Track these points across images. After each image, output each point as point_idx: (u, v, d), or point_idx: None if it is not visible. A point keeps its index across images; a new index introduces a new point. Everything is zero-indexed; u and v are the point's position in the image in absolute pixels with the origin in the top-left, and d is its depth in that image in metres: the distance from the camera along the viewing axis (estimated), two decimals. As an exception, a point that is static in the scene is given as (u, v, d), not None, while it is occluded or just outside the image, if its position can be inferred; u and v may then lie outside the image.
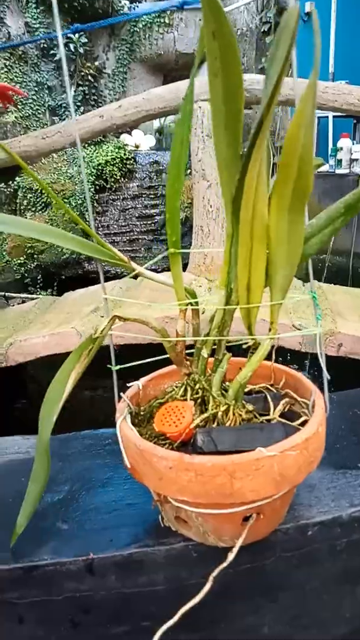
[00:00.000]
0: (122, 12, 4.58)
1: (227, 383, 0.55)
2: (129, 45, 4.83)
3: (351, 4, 3.65)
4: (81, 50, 4.51)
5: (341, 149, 2.97)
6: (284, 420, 0.51)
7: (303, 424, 0.50)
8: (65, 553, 0.51)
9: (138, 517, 0.56)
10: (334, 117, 3.73)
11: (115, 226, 3.93)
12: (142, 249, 3.77)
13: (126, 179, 4.19)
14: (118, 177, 4.12)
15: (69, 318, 1.92)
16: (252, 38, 4.29)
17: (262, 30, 4.11)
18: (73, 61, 4.59)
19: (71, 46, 4.48)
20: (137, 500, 0.58)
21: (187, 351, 0.55)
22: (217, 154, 0.43)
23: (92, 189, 3.98)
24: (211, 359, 0.54)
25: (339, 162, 2.98)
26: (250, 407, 0.50)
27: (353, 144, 3.02)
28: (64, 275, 3.57)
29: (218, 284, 1.66)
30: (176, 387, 0.60)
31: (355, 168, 2.85)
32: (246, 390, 0.56)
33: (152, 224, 3.93)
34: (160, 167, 4.26)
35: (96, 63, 4.77)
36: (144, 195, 4.14)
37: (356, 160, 2.94)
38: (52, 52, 4.49)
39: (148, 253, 3.74)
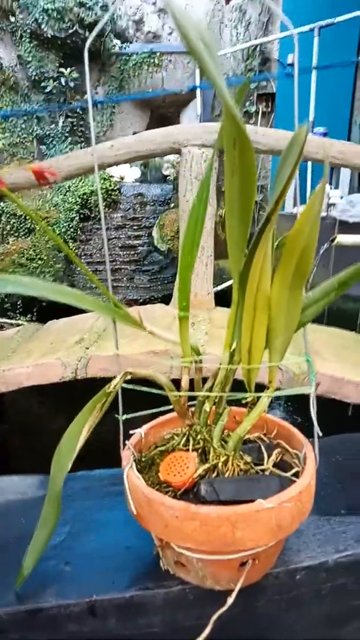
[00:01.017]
0: (113, 51, 4.76)
1: (226, 431, 0.59)
2: (118, 81, 5.00)
3: (331, 54, 3.91)
4: (71, 84, 4.65)
5: (319, 193, 3.13)
6: (277, 471, 0.55)
7: (295, 474, 0.54)
8: (69, 595, 0.54)
9: (137, 560, 0.59)
10: (312, 162, 3.93)
11: (98, 255, 3.98)
12: (125, 278, 3.83)
13: (110, 209, 4.28)
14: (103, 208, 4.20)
15: (54, 348, 1.94)
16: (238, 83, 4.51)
17: (247, 76, 4.33)
18: (63, 94, 4.72)
19: (62, 80, 4.62)
20: (136, 543, 0.61)
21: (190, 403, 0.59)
22: (229, 235, 0.49)
23: (76, 218, 4.05)
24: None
25: (317, 205, 3.14)
26: (248, 458, 0.55)
27: (330, 189, 3.19)
28: (44, 302, 3.58)
29: (201, 319, 1.70)
30: (175, 434, 0.64)
31: (333, 212, 3.00)
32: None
33: (135, 254, 4.01)
34: (145, 200, 4.37)
35: (85, 97, 4.90)
36: (127, 226, 4.22)
37: (333, 204, 3.10)
38: (42, 84, 4.60)
39: (130, 283, 3.80)
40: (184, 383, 0.57)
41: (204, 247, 2.20)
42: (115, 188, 4.28)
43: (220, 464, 0.54)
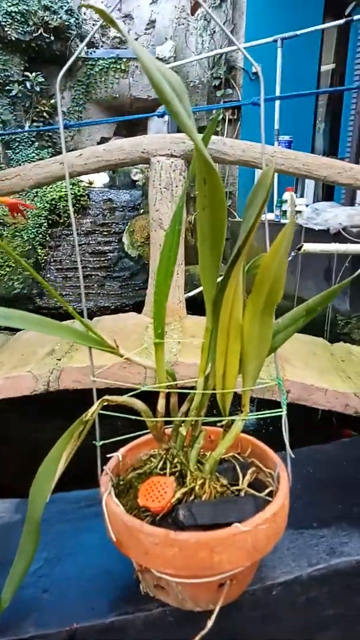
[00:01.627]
0: (79, 56, 4.71)
1: (201, 451, 0.61)
2: (84, 86, 4.97)
3: (294, 63, 4.00)
4: (37, 88, 4.59)
5: (286, 201, 3.20)
6: (252, 491, 0.57)
7: (269, 494, 0.56)
8: (49, 624, 0.54)
9: (116, 583, 0.59)
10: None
11: (67, 261, 3.94)
12: (95, 285, 3.80)
13: (80, 215, 4.24)
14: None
15: (24, 360, 1.91)
16: (204, 90, 4.56)
17: (213, 84, 4.39)
18: (29, 98, 4.66)
19: (27, 84, 4.56)
20: (114, 566, 0.62)
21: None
22: (202, 265, 0.50)
23: (44, 224, 4.00)
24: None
25: (284, 213, 3.21)
26: (223, 480, 0.56)
27: (297, 197, 3.27)
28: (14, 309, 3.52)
29: (173, 327, 1.71)
30: (152, 456, 0.65)
31: (299, 220, 3.08)
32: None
33: (105, 261, 3.99)
34: (114, 205, 4.36)
35: (52, 101, 4.85)
36: (97, 232, 4.20)
37: (299, 212, 3.17)
38: (7, 87, 4.53)
39: (101, 289, 3.77)
40: (160, 407, 0.58)
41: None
42: (84, 193, 4.25)
43: (197, 487, 0.55)
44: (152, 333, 1.90)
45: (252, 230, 0.45)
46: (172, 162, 2.12)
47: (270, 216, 3.47)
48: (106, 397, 0.54)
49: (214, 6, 4.17)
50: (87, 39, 0.59)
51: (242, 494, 0.57)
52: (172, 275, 0.54)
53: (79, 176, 2.28)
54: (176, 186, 2.15)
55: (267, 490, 0.57)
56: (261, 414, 0.56)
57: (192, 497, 0.55)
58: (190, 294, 3.14)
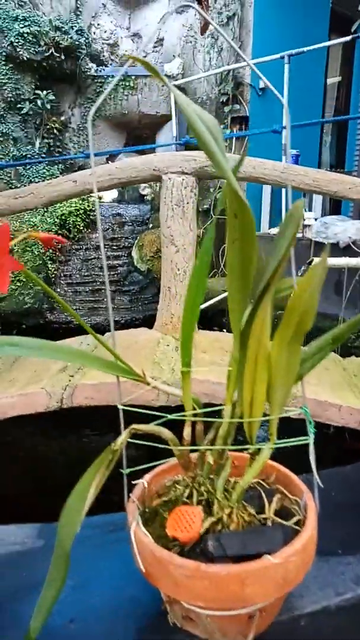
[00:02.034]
0: (89, 74, 4.82)
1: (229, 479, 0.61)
2: (94, 103, 5.04)
3: (301, 77, 4.05)
4: (48, 106, 4.67)
5: (295, 215, 3.21)
6: (278, 520, 0.57)
7: (297, 523, 0.56)
8: (77, 656, 0.54)
9: (144, 612, 0.59)
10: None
11: (77, 276, 3.98)
12: (105, 299, 3.81)
13: (89, 230, 4.29)
14: (81, 228, 4.22)
15: (37, 377, 1.92)
16: (212, 106, 4.62)
17: (220, 100, 4.44)
18: (39, 115, 4.74)
19: (38, 102, 4.64)
20: (141, 595, 0.61)
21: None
22: (230, 297, 0.51)
23: (55, 239, 4.03)
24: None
25: (293, 226, 3.22)
26: (251, 509, 0.56)
27: (305, 211, 3.29)
28: (24, 324, 3.55)
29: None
30: (176, 482, 0.65)
31: (307, 234, 3.08)
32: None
33: (115, 275, 4.02)
34: (123, 220, 4.40)
35: (62, 118, 4.94)
36: (106, 246, 4.23)
37: (308, 226, 3.18)
38: (19, 105, 4.61)
39: (111, 303, 3.79)
40: (187, 435, 0.58)
41: (185, 271, 2.23)
42: (93, 208, 4.30)
43: (224, 517, 0.55)
44: (163, 349, 1.90)
45: (282, 262, 0.46)
46: (183, 179, 2.14)
47: (277, 230, 3.48)
48: (135, 425, 0.55)
49: (221, 24, 4.24)
50: (111, 83, 0.60)
51: (269, 522, 0.57)
52: (199, 305, 0.55)
53: (91, 193, 2.31)
54: (187, 203, 2.17)
55: (294, 519, 0.57)
56: (288, 442, 0.56)
57: (220, 526, 0.55)
58: (202, 306, 3.14)
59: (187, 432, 0.58)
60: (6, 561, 0.68)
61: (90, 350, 2.09)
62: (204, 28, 3.75)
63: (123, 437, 0.54)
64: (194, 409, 0.58)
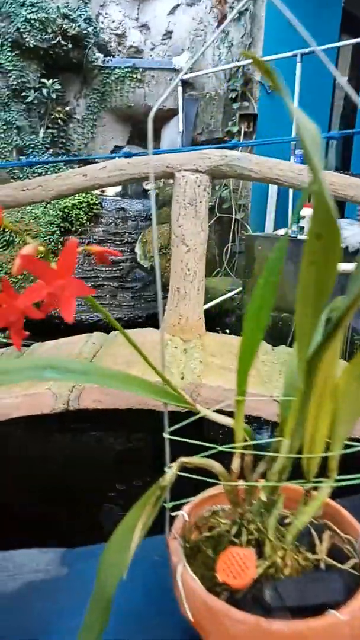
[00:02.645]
0: (95, 64, 4.73)
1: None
2: (100, 94, 4.96)
3: (311, 76, 3.99)
4: (53, 95, 4.58)
5: (304, 217, 3.16)
6: (332, 562, 0.52)
7: (354, 567, 0.52)
8: None
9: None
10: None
11: (79, 270, 3.91)
12: (107, 295, 3.76)
13: (92, 224, 4.22)
14: (84, 221, 4.15)
15: (42, 377, 1.87)
16: (220, 102, 4.55)
17: (229, 97, 4.38)
18: (44, 104, 4.65)
19: (44, 90, 4.55)
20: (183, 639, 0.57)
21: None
22: (299, 323, 0.46)
23: (57, 232, 3.97)
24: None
25: (301, 229, 3.17)
26: (307, 553, 0.52)
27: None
28: (26, 320, 3.46)
29: (194, 345, 1.67)
30: (215, 512, 0.61)
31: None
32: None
33: (117, 271, 3.95)
34: (127, 215, 4.33)
35: (67, 108, 4.85)
36: (109, 241, 4.17)
37: (317, 228, 3.14)
38: (23, 94, 4.52)
39: (113, 300, 3.73)
40: (235, 468, 0.54)
41: (195, 272, 2.18)
42: (97, 202, 4.23)
43: (278, 560, 0.50)
44: (171, 351, 1.84)
45: (357, 301, 0.41)
46: (197, 177, 2.08)
47: (283, 231, 3.44)
48: (184, 459, 0.50)
49: (233, 19, 4.17)
50: (158, 102, 0.55)
51: (322, 565, 0.52)
52: (263, 330, 0.50)
53: (100, 188, 2.25)
54: (200, 202, 2.11)
55: (350, 563, 0.52)
56: (353, 480, 0.52)
57: (273, 570, 0.50)
58: (206, 306, 3.09)
59: (236, 464, 0.54)
60: (28, 590, 0.64)
61: (95, 350, 2.04)
62: (220, 21, 3.68)
63: (172, 471, 0.49)
64: (245, 440, 0.53)
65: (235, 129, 4.33)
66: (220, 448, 0.52)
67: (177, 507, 0.58)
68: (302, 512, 0.52)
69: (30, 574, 0.66)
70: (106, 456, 1.88)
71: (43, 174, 4.40)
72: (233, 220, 4.44)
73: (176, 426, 0.52)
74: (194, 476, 0.52)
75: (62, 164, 4.54)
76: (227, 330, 3.54)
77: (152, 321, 2.31)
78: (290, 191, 4.10)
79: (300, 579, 0.49)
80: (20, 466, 1.83)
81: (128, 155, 2.13)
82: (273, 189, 4.28)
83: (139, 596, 0.62)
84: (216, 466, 0.51)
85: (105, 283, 3.85)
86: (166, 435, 0.52)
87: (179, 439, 0.52)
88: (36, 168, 4.59)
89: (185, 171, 2.07)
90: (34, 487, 1.72)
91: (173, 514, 0.58)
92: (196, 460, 0.51)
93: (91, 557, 0.70)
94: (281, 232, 3.38)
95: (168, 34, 5.06)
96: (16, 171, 4.61)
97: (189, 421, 0.51)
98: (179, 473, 0.51)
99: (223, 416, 0.53)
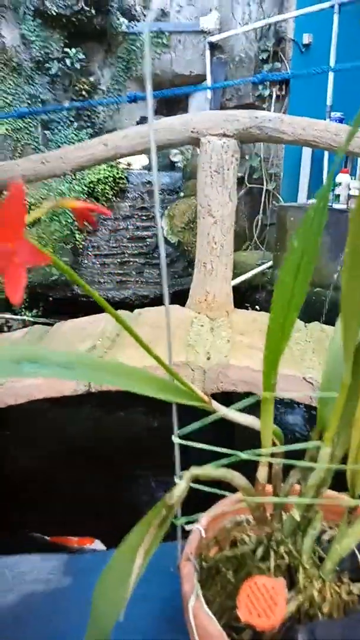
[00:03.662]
0: (120, 30, 4.53)
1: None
2: (125, 63, 4.78)
3: (351, 35, 3.69)
4: (77, 65, 4.44)
5: (340, 184, 2.95)
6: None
7: None
8: None
9: None
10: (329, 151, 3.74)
11: (105, 247, 3.83)
12: (134, 272, 3.67)
13: (118, 199, 4.11)
14: (110, 196, 4.04)
15: (64, 356, 1.81)
16: (250, 65, 4.29)
17: (260, 58, 4.12)
18: (68, 76, 4.52)
19: (67, 61, 4.41)
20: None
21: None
22: (347, 298, 0.35)
23: (83, 208, 3.88)
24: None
25: (337, 197, 2.97)
26: (354, 586, 0.42)
27: (352, 179, 3.02)
28: (51, 297, 3.44)
29: (221, 323, 1.56)
30: (237, 524, 0.51)
31: (353, 205, 2.84)
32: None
33: (144, 247, 3.85)
34: (153, 188, 4.19)
35: (91, 79, 4.70)
36: (135, 216, 4.06)
37: (353, 196, 2.93)
38: (47, 65, 4.40)
39: (139, 277, 3.65)
40: (262, 478, 0.44)
41: (223, 245, 2.05)
42: (122, 176, 4.10)
43: (314, 593, 0.40)
44: (197, 329, 1.73)
45: None
46: (224, 142, 1.94)
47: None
48: (195, 470, 0.40)
49: (264, -28, 3.88)
50: None
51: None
52: (293, 322, 0.39)
53: (122, 158, 2.13)
54: (227, 169, 1.97)
55: None
56: None
57: (308, 604, 0.40)
58: (235, 281, 2.96)
59: (262, 474, 0.44)
60: (28, 603, 0.56)
61: (119, 329, 1.97)
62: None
63: (182, 486, 0.39)
64: (274, 444, 0.43)
65: (266, 93, 4.09)
66: (242, 456, 0.42)
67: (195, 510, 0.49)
68: (345, 534, 0.41)
69: (29, 584, 0.59)
70: (132, 436, 1.83)
71: (68, 148, 4.30)
72: (264, 191, 4.24)
73: (188, 428, 0.42)
74: (209, 489, 0.42)
75: (86, 137, 4.43)
76: (257, 307, 3.40)
77: (179, 298, 2.21)
78: (325, 159, 3.87)
79: (343, 620, 0.39)
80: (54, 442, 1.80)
81: (133, 97, 2.00)
82: (306, 157, 4.04)
83: (150, 617, 0.54)
84: (237, 478, 0.42)
85: (132, 259, 3.76)
86: (175, 440, 0.43)
87: (190, 443, 0.42)
88: (62, 143, 4.50)
89: (212, 136, 1.92)
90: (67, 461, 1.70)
91: (188, 527, 0.49)
92: (211, 471, 0.41)
93: (98, 566, 0.62)
94: (311, 201, 3.18)
95: (195, -6, 4.78)
96: (41, 147, 4.53)
97: (203, 423, 0.42)
98: (192, 484, 0.42)
99: (247, 416, 0.43)
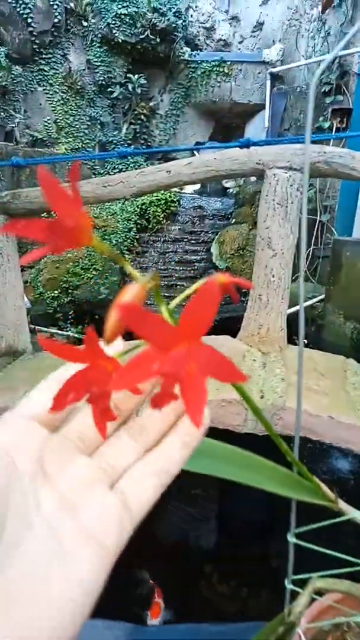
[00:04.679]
0: (182, 58, 4.63)
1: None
2: (184, 89, 4.87)
3: None
4: (138, 90, 4.55)
5: None
6: None
7: None
8: None
9: None
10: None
11: (153, 269, 3.83)
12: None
13: (168, 221, 4.13)
14: (160, 219, 4.07)
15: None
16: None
17: (322, 90, 4.09)
18: (128, 100, 4.63)
19: (129, 85, 4.53)
20: None
21: None
22: None
23: (134, 229, 3.92)
24: None
25: None
26: None
27: None
28: (97, 315, 3.46)
29: (274, 359, 1.47)
30: (336, 626, 0.45)
31: None
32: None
33: (192, 271, 3.83)
34: (204, 213, 4.20)
35: (150, 103, 4.80)
36: (185, 240, 4.06)
37: None
38: (109, 89, 4.53)
39: (186, 301, 3.62)
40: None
41: (281, 279, 1.99)
42: (174, 199, 4.13)
43: None
44: (250, 364, 1.66)
45: None
46: (290, 175, 1.89)
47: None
48: (319, 584, 0.34)
49: (333, 6, 3.88)
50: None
51: None
52: None
53: (184, 185, 2.12)
54: (291, 202, 1.92)
55: None
56: None
57: None
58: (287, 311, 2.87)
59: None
60: None
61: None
62: (325, 6, 3.42)
63: (304, 600, 0.33)
64: None
65: (326, 125, 4.04)
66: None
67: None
68: None
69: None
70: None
71: (124, 170, 4.38)
72: (317, 222, 4.16)
73: (306, 528, 0.36)
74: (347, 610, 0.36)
75: (142, 160, 4.51)
76: (306, 341, 3.30)
77: (227, 327, 2.16)
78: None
79: None
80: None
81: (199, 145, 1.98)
82: (365, 190, 3.95)
83: None
84: (368, 599, 0.35)
85: (179, 283, 3.75)
86: (291, 539, 0.37)
87: (310, 546, 0.36)
88: (117, 164, 4.59)
89: (278, 169, 1.89)
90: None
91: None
92: (336, 585, 0.35)
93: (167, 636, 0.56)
94: None
95: (259, 26, 4.85)
96: (97, 167, 4.63)
97: (325, 524, 0.36)
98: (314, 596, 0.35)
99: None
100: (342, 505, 0.37)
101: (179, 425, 0.27)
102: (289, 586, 0.36)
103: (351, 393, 1.72)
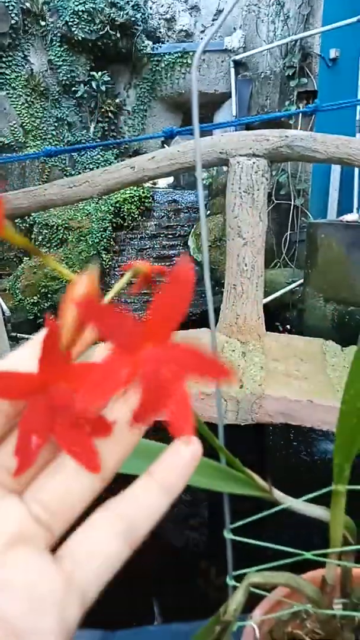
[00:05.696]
0: (145, 52, 4.58)
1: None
2: (150, 83, 4.82)
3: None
4: (103, 87, 4.50)
5: (373, 200, 2.86)
6: None
7: None
8: None
9: None
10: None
11: (124, 263, 3.81)
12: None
13: (144, 218, 4.11)
14: (136, 215, 4.05)
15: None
16: (276, 81, 4.26)
17: (286, 74, 4.08)
18: (94, 98, 4.58)
19: (93, 83, 4.47)
20: None
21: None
22: None
23: (109, 227, 3.89)
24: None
25: (371, 213, 2.87)
26: None
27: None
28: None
29: (253, 348, 1.47)
30: (295, 615, 0.44)
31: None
32: None
33: (170, 265, 3.79)
34: (179, 207, 4.18)
35: (117, 100, 4.76)
36: (162, 235, 4.04)
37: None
38: (73, 88, 4.47)
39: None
40: (331, 580, 0.37)
41: (253, 267, 1.99)
42: (148, 195, 4.11)
43: None
44: (229, 354, 1.66)
45: None
46: (254, 162, 1.89)
47: (352, 217, 3.14)
48: (254, 578, 0.34)
49: (289, -11, 3.86)
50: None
51: None
52: None
53: (150, 180, 2.11)
54: (257, 189, 1.91)
55: None
56: None
57: None
58: (265, 300, 2.87)
59: (330, 574, 0.37)
60: None
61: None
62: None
63: (238, 597, 0.33)
64: (346, 540, 0.36)
65: (292, 109, 4.03)
66: (307, 555, 0.35)
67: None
68: None
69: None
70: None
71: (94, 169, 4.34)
72: (292, 207, 4.16)
73: (240, 522, 0.36)
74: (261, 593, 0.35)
75: (113, 158, 4.47)
76: (288, 326, 3.31)
77: (206, 318, 2.15)
78: (356, 174, 3.77)
79: None
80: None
81: (170, 132, 1.96)
82: (336, 172, 3.95)
83: None
84: (307, 589, 0.35)
85: (158, 279, 3.73)
86: (227, 535, 0.36)
87: (245, 540, 0.36)
88: (88, 164, 4.55)
89: (241, 156, 1.88)
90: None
91: (241, 623, 0.42)
92: (273, 578, 0.34)
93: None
94: (349, 217, 3.08)
95: (219, 14, 4.81)
96: (69, 168, 4.58)
97: (258, 517, 0.35)
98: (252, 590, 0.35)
99: (315, 507, 0.36)
100: (278, 494, 0.36)
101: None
102: (231, 582, 0.36)
103: (330, 375, 1.72)
